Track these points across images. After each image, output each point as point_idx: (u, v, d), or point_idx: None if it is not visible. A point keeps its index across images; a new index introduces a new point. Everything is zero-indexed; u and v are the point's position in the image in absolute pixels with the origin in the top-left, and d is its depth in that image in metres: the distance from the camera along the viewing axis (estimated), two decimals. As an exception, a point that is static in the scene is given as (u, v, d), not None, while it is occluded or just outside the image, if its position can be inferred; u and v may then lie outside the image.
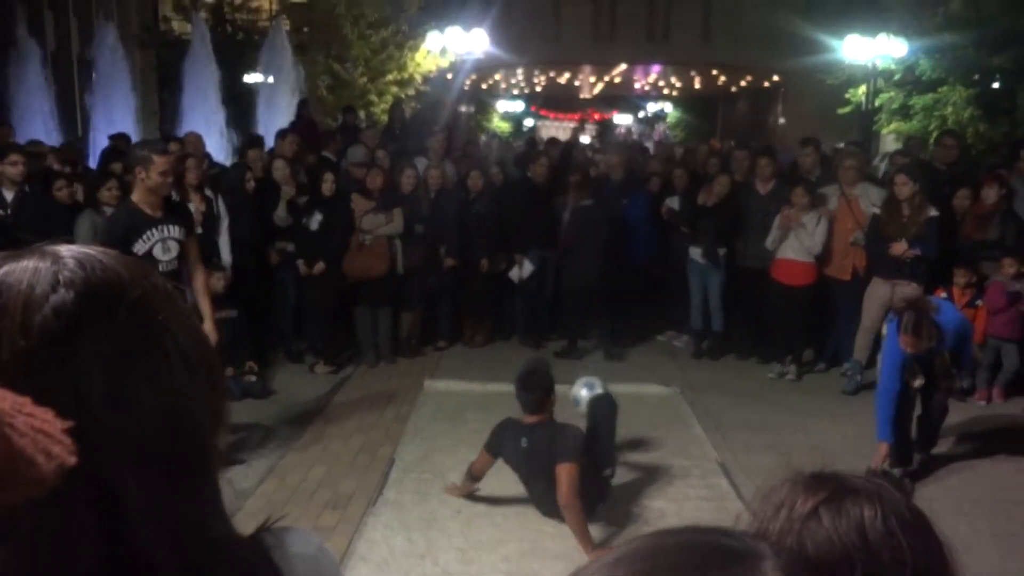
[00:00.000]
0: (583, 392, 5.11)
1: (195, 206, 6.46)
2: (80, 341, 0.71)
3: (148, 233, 4.71)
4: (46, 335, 0.70)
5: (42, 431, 0.57)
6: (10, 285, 0.72)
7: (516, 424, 4.46)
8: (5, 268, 0.74)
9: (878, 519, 0.88)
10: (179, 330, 0.78)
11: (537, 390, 4.38)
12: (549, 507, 4.42)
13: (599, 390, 5.12)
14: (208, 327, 4.83)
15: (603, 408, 4.82)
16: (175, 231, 4.82)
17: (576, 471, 4.14)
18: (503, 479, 4.65)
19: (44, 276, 0.73)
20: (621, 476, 5.09)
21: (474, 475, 4.64)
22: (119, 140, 9.37)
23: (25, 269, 0.73)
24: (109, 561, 0.70)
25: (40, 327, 0.70)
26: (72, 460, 0.58)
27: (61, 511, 0.67)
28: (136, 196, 4.80)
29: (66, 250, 0.77)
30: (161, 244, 4.75)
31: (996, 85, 14.14)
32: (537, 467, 4.33)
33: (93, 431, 0.69)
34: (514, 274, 8.04)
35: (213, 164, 8.45)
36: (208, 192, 6.88)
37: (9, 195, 6.24)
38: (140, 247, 4.68)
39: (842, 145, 11.68)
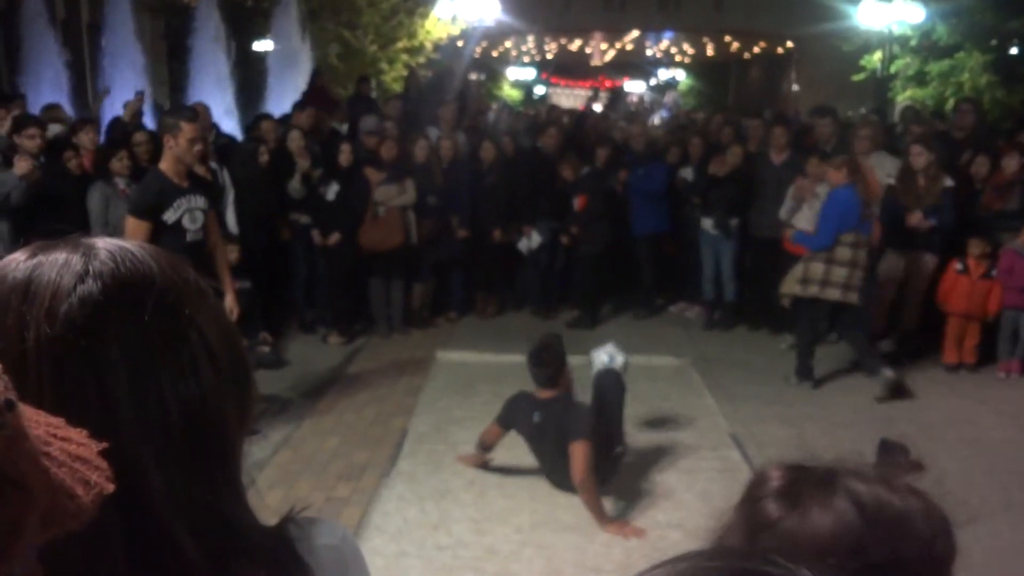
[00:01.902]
0: (603, 357, 5.09)
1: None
2: (106, 332, 0.72)
3: (177, 202, 4.71)
4: (71, 324, 0.71)
5: (79, 457, 0.56)
6: (41, 274, 0.73)
7: (530, 398, 4.47)
8: (38, 258, 0.75)
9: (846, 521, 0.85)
10: (208, 326, 0.78)
11: (550, 365, 4.38)
12: (560, 481, 4.44)
13: (619, 359, 5.12)
14: (229, 300, 4.85)
15: (611, 385, 4.83)
16: (200, 201, 4.83)
17: (588, 449, 4.15)
18: (516, 451, 4.67)
19: (74, 267, 0.74)
20: (632, 448, 5.11)
21: (485, 446, 4.67)
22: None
23: (56, 260, 0.74)
24: (135, 552, 0.71)
25: (65, 316, 0.71)
26: (111, 487, 0.56)
27: None
28: (164, 164, 4.79)
29: (100, 242, 0.77)
30: (188, 214, 4.75)
31: (1014, 51, 13.94)
32: (548, 442, 4.35)
33: (117, 423, 0.70)
34: (523, 245, 8.04)
35: (221, 134, 8.42)
36: (213, 164, 6.85)
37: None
38: (170, 216, 4.69)
39: (852, 113, 11.56)
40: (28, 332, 0.70)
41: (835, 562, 0.82)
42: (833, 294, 6.03)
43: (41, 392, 0.69)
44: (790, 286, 6.22)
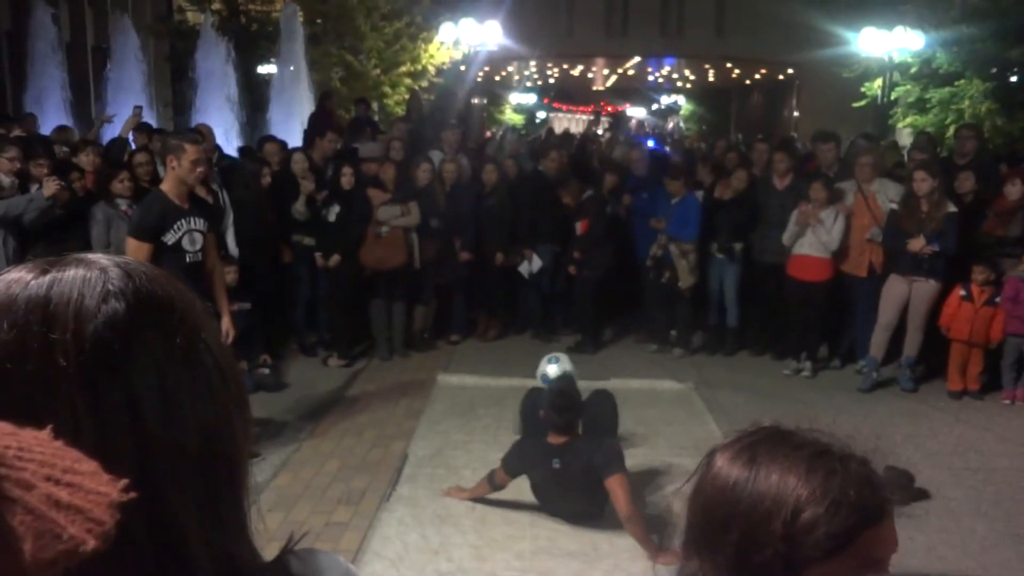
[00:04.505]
0: (551, 368, 5.32)
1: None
2: (135, 353, 0.69)
3: (178, 224, 4.72)
4: (99, 346, 0.68)
5: (70, 506, 0.51)
6: (59, 293, 0.70)
7: (542, 445, 4.35)
8: (50, 276, 0.72)
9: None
10: (216, 347, 0.76)
11: (570, 412, 4.32)
12: (580, 512, 4.37)
13: (567, 366, 5.32)
14: (225, 322, 4.83)
15: (605, 407, 4.79)
16: (200, 223, 4.83)
17: (627, 481, 4.11)
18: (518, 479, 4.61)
19: (93, 286, 0.71)
20: (635, 473, 5.05)
21: (497, 485, 4.50)
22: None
23: (73, 279, 0.71)
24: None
25: (93, 338, 0.68)
26: (91, 543, 0.51)
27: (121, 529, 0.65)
28: (166, 186, 4.80)
29: (108, 260, 0.75)
30: (188, 236, 4.75)
31: (1014, 79, 14.00)
32: (574, 484, 4.24)
33: (149, 449, 0.68)
34: (523, 268, 8.02)
35: (224, 156, 8.44)
36: (214, 185, 6.85)
37: (33, 187, 6.23)
38: (170, 237, 4.69)
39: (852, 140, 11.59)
40: (55, 355, 0.67)
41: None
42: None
43: (76, 417, 0.66)
44: (687, 280, 7.51)
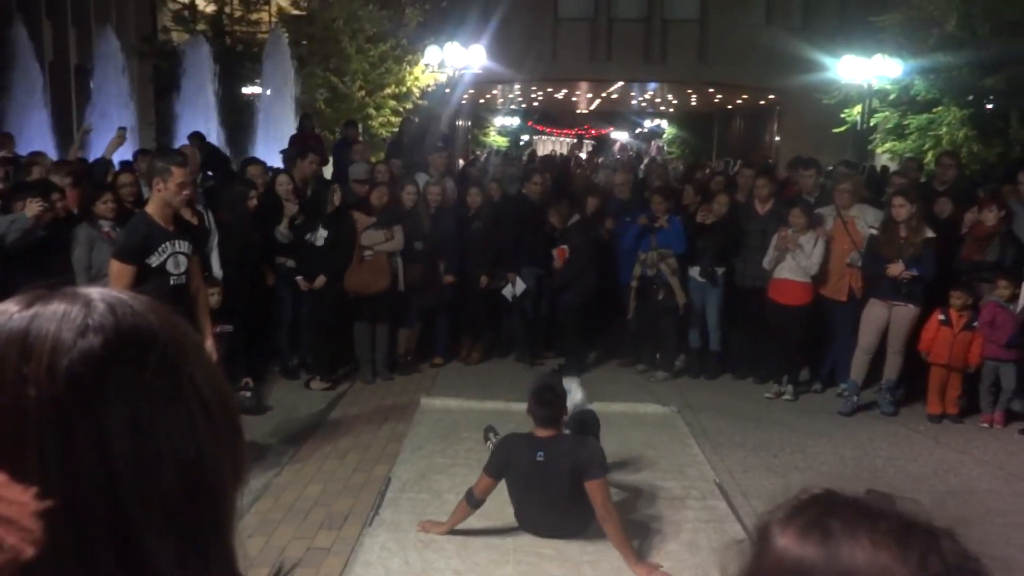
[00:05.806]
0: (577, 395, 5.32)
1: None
2: (107, 389, 0.69)
3: (163, 246, 4.70)
4: (72, 381, 0.68)
5: (2, 517, 0.52)
6: (38, 327, 0.70)
7: (527, 438, 4.41)
8: (33, 310, 0.72)
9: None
10: (204, 384, 0.76)
11: (553, 405, 4.38)
12: (561, 524, 4.39)
13: (578, 394, 5.28)
14: (208, 344, 4.80)
15: (588, 425, 4.83)
16: (184, 246, 4.81)
17: (606, 485, 4.21)
18: (499, 500, 4.60)
19: (72, 320, 0.71)
20: (618, 496, 5.05)
21: (476, 500, 4.47)
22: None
23: (54, 312, 0.71)
24: None
25: (66, 372, 0.68)
26: (29, 552, 0.52)
27: (83, 564, 0.65)
28: (151, 208, 4.78)
29: (96, 293, 0.75)
30: (173, 258, 4.74)
31: (990, 106, 14.24)
32: (555, 480, 4.28)
33: (117, 484, 0.68)
34: (507, 291, 8.02)
35: (208, 177, 8.41)
36: (199, 207, 6.83)
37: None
38: (155, 259, 4.67)
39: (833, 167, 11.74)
40: (28, 388, 0.67)
41: None
42: None
43: (43, 451, 0.66)
44: (683, 296, 7.60)
